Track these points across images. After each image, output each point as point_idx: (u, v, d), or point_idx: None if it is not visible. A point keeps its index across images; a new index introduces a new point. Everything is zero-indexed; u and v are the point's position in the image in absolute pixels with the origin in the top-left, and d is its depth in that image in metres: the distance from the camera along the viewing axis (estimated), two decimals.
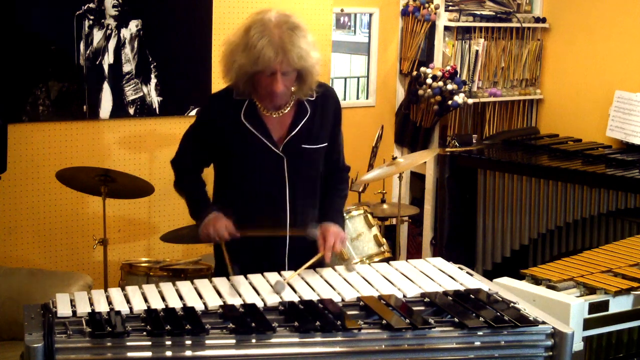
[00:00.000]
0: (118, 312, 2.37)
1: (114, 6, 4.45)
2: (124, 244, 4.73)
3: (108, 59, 4.49)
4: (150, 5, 4.58)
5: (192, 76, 4.77)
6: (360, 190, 4.91)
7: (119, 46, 4.52)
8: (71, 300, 2.45)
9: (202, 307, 2.45)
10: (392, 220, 5.17)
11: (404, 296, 2.61)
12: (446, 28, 5.49)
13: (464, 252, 5.33)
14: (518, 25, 5.70)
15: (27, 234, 4.46)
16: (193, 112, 4.74)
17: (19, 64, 4.28)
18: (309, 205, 3.00)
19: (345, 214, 3.96)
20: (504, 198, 5.16)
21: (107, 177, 3.97)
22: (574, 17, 5.64)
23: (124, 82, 4.56)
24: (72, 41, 4.38)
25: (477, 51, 5.61)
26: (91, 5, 4.40)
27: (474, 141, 5.57)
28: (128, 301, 2.46)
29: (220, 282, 2.67)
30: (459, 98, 5.32)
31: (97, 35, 4.45)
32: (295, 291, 2.61)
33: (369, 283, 2.71)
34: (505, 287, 2.84)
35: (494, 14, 5.66)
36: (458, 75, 5.39)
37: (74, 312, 2.36)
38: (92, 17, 4.41)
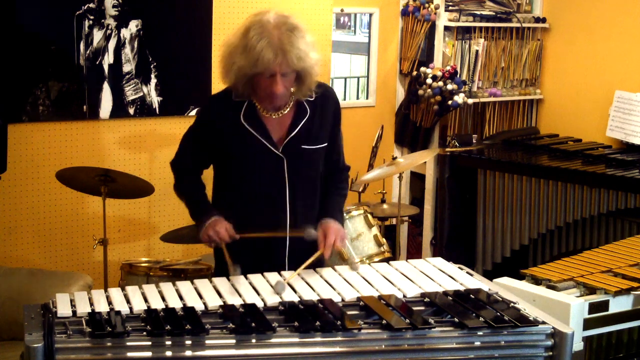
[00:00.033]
0: (118, 312, 2.37)
1: (114, 6, 4.46)
2: (124, 244, 4.73)
3: (108, 59, 4.49)
4: (150, 5, 4.58)
5: (192, 76, 4.77)
6: (360, 190, 4.91)
7: (119, 46, 4.52)
8: (71, 300, 2.45)
9: (202, 307, 2.45)
10: (392, 220, 5.17)
11: (404, 296, 2.61)
12: (446, 28, 5.49)
13: (464, 252, 5.33)
14: (518, 25, 5.70)
15: (27, 234, 4.46)
16: (193, 112, 4.74)
17: (19, 64, 4.28)
18: (309, 206, 3.00)
19: (345, 214, 3.96)
20: (504, 198, 5.16)
21: (107, 177, 3.97)
22: (574, 17, 5.64)
23: (124, 82, 4.56)
24: (72, 41, 4.38)
25: (477, 51, 5.61)
26: (91, 5, 4.40)
27: (474, 141, 5.57)
28: (128, 301, 2.46)
29: (220, 282, 2.68)
30: (459, 98, 5.32)
31: (97, 35, 4.45)
32: (295, 291, 2.61)
33: (369, 283, 2.71)
34: (505, 287, 2.84)
35: (494, 14, 5.66)
36: (458, 75, 5.39)
37: (74, 312, 2.36)
38: (92, 17, 4.41)
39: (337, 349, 2.32)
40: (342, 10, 5.56)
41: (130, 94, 4.59)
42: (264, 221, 2.94)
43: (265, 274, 2.76)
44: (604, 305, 2.92)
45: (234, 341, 2.27)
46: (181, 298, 2.51)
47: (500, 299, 2.61)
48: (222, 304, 2.48)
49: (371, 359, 2.34)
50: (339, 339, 2.32)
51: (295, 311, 2.44)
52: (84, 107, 4.48)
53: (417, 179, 5.85)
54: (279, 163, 2.94)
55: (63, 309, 2.37)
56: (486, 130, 5.79)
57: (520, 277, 3.12)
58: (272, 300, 2.52)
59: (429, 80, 5.37)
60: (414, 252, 5.82)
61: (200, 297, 2.52)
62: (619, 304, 2.96)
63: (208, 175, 3.14)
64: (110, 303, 2.44)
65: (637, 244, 3.55)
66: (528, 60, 5.81)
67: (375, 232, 4.27)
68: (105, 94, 4.52)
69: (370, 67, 5.76)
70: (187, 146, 3.09)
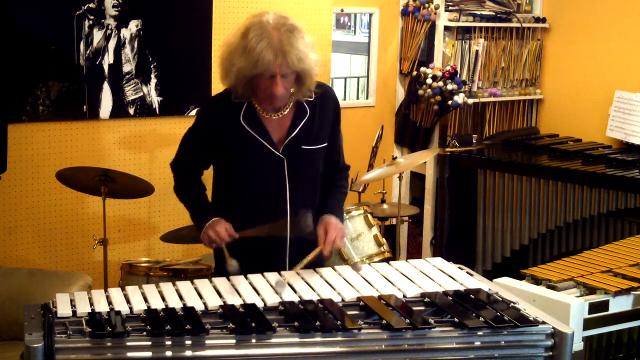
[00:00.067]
0: (118, 312, 2.37)
1: (114, 6, 4.46)
2: (124, 244, 4.73)
3: (108, 59, 4.49)
4: (150, 5, 4.58)
5: (192, 76, 4.77)
6: (360, 190, 4.91)
7: (119, 46, 4.52)
8: (71, 300, 2.45)
9: (202, 307, 2.45)
10: (392, 220, 5.17)
11: (404, 296, 2.61)
12: (446, 28, 5.49)
13: (464, 252, 5.33)
14: (518, 25, 5.70)
15: (27, 234, 4.46)
16: (193, 112, 4.74)
17: (19, 64, 4.28)
18: (309, 206, 2.99)
19: (345, 214, 3.96)
20: (504, 198, 5.16)
21: (107, 177, 3.97)
22: (574, 17, 5.64)
23: (124, 82, 4.56)
24: (72, 41, 4.38)
25: (477, 51, 5.61)
26: (91, 5, 4.40)
27: (474, 141, 5.57)
28: (128, 301, 2.46)
29: (220, 282, 2.68)
30: (459, 98, 5.32)
31: (97, 35, 4.45)
32: (295, 291, 2.61)
33: (369, 283, 2.71)
34: (505, 287, 2.84)
35: (494, 14, 5.66)
36: (458, 75, 5.39)
37: (74, 312, 2.36)
38: (92, 17, 4.41)
39: (337, 349, 2.32)
40: (342, 10, 5.56)
41: (130, 94, 4.59)
42: (265, 222, 2.94)
43: (265, 274, 2.76)
44: (604, 305, 2.92)
45: (234, 341, 2.27)
46: (181, 298, 2.51)
47: (500, 299, 2.61)
48: (222, 304, 2.48)
49: (371, 359, 2.34)
50: (339, 339, 2.32)
51: (295, 311, 2.44)
52: (84, 107, 4.48)
53: (417, 179, 5.85)
54: (279, 164, 2.94)
55: (63, 309, 2.37)
56: (486, 130, 5.79)
57: (520, 277, 3.12)
58: (272, 300, 2.52)
59: (429, 80, 5.37)
60: (414, 252, 5.82)
61: (200, 297, 2.52)
62: (619, 304, 2.96)
63: (208, 176, 3.14)
64: (110, 303, 2.44)
65: (637, 244, 3.55)
66: (528, 60, 5.81)
67: (375, 232, 4.27)
68: (105, 94, 4.52)
69: (370, 67, 5.76)
70: (187, 147, 3.09)
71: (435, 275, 2.82)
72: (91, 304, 2.42)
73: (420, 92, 5.42)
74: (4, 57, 4.23)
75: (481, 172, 5.25)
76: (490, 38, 5.65)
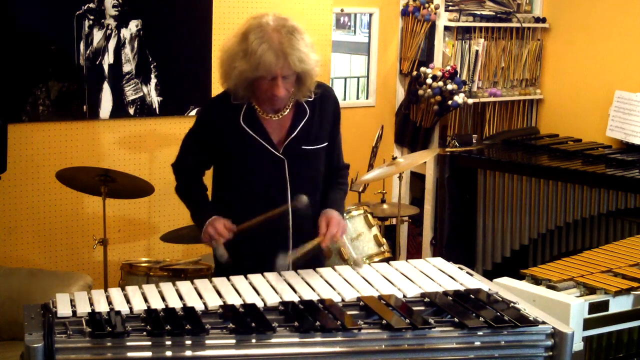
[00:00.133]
0: (118, 312, 2.36)
1: (114, 6, 4.46)
2: (124, 244, 4.73)
3: (108, 59, 4.50)
4: (150, 5, 4.58)
5: (192, 76, 4.77)
6: (360, 190, 4.91)
7: (119, 46, 4.52)
8: (71, 300, 2.45)
9: (202, 307, 2.45)
10: (392, 220, 5.17)
11: (404, 296, 2.61)
12: (446, 28, 5.49)
13: (464, 252, 5.33)
14: (518, 25, 5.70)
15: (27, 234, 4.46)
16: (193, 112, 4.75)
17: (19, 64, 4.28)
18: (310, 207, 2.99)
19: (345, 214, 3.96)
20: (504, 198, 5.16)
21: (107, 177, 3.97)
22: (574, 17, 5.64)
23: (124, 82, 4.56)
24: (72, 41, 4.38)
25: (477, 51, 5.61)
26: (91, 5, 4.40)
27: (474, 141, 5.57)
28: (128, 301, 2.46)
29: (220, 282, 2.67)
30: (459, 98, 5.32)
31: (97, 35, 4.45)
32: (295, 291, 2.61)
33: (369, 283, 2.71)
34: (505, 287, 2.84)
35: (494, 14, 5.66)
36: (458, 75, 5.39)
37: (74, 312, 2.36)
38: (92, 17, 4.41)
39: (337, 349, 2.32)
40: (342, 10, 5.56)
41: (130, 94, 4.59)
42: (265, 222, 2.93)
43: (266, 274, 2.76)
44: (604, 305, 2.92)
45: (234, 341, 2.27)
46: (181, 298, 2.51)
47: (500, 299, 2.61)
48: (222, 304, 2.48)
49: (371, 359, 2.34)
50: (339, 339, 2.32)
51: (295, 311, 2.44)
52: (84, 107, 4.48)
53: (417, 179, 5.85)
54: (280, 164, 2.94)
55: (63, 309, 2.37)
56: (486, 130, 5.79)
57: (520, 277, 3.12)
58: (272, 300, 2.52)
59: (429, 80, 5.37)
60: (414, 252, 5.82)
61: (200, 297, 2.52)
62: (619, 304, 2.95)
63: (208, 176, 3.14)
64: (110, 303, 2.44)
65: (637, 244, 3.55)
66: (528, 60, 5.81)
67: (375, 232, 4.27)
68: (105, 94, 4.52)
69: (370, 67, 5.76)
70: (188, 148, 3.09)
71: (435, 275, 2.82)
72: (91, 304, 2.42)
73: (420, 92, 5.42)
74: (4, 57, 4.23)
75: (481, 172, 5.25)
76: (490, 38, 5.65)
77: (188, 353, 2.24)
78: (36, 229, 4.47)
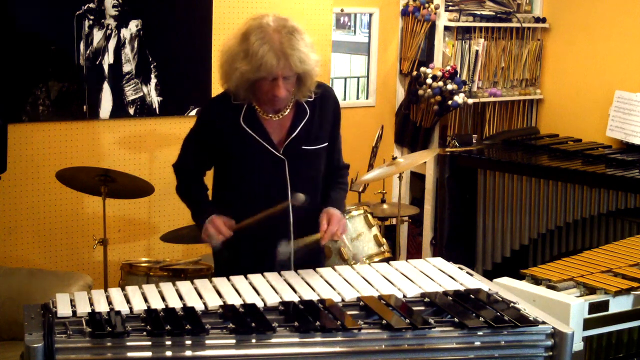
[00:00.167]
0: (118, 312, 2.37)
1: (114, 6, 4.46)
2: (124, 244, 4.73)
3: (108, 59, 4.50)
4: (150, 5, 4.58)
5: (192, 76, 4.77)
6: (360, 190, 4.91)
7: (119, 46, 4.52)
8: (71, 300, 2.45)
9: (202, 307, 2.45)
10: (392, 220, 5.17)
11: (404, 296, 2.61)
12: (446, 28, 5.49)
13: (464, 252, 5.33)
14: (518, 25, 5.70)
15: (27, 234, 4.46)
16: (193, 112, 4.75)
17: (19, 64, 4.28)
18: (311, 207, 2.99)
19: (345, 214, 3.95)
20: (504, 198, 5.16)
21: (107, 177, 3.97)
22: (574, 17, 5.64)
23: (124, 82, 4.56)
24: (72, 41, 4.38)
25: (477, 51, 5.61)
26: (91, 5, 4.40)
27: (474, 141, 5.57)
28: (128, 301, 2.46)
29: (220, 282, 2.67)
30: (459, 98, 5.32)
31: (97, 35, 4.45)
32: (295, 291, 2.61)
33: (369, 283, 2.71)
34: (505, 287, 2.84)
35: (494, 14, 5.66)
36: (458, 75, 5.39)
37: (74, 312, 2.36)
38: (92, 17, 4.41)
39: (337, 349, 2.32)
40: (342, 10, 5.56)
41: (130, 94, 4.59)
42: (266, 223, 2.93)
43: (266, 274, 2.76)
44: (604, 305, 2.92)
45: (234, 341, 2.27)
46: (181, 298, 2.51)
47: (500, 299, 2.61)
48: (222, 304, 2.48)
49: (371, 359, 2.34)
50: (339, 339, 2.32)
51: (295, 311, 2.44)
52: (84, 107, 4.48)
53: (417, 179, 5.85)
54: (280, 165, 2.94)
55: (63, 309, 2.37)
56: (486, 130, 5.79)
57: (520, 277, 3.12)
58: (272, 300, 2.52)
59: (429, 80, 5.37)
60: (414, 252, 5.82)
61: (200, 297, 2.52)
62: (619, 304, 2.95)
63: (208, 176, 3.14)
64: (110, 303, 2.44)
65: (637, 244, 3.55)
66: (528, 60, 5.81)
67: (375, 232, 4.27)
68: (105, 94, 4.52)
69: (370, 67, 5.76)
70: (188, 148, 3.09)
71: (435, 275, 2.82)
72: (91, 304, 2.42)
73: (420, 92, 5.42)
74: (4, 57, 4.23)
75: (481, 172, 5.25)
76: (490, 38, 5.65)
77: (188, 353, 2.24)
78: (36, 229, 4.47)
